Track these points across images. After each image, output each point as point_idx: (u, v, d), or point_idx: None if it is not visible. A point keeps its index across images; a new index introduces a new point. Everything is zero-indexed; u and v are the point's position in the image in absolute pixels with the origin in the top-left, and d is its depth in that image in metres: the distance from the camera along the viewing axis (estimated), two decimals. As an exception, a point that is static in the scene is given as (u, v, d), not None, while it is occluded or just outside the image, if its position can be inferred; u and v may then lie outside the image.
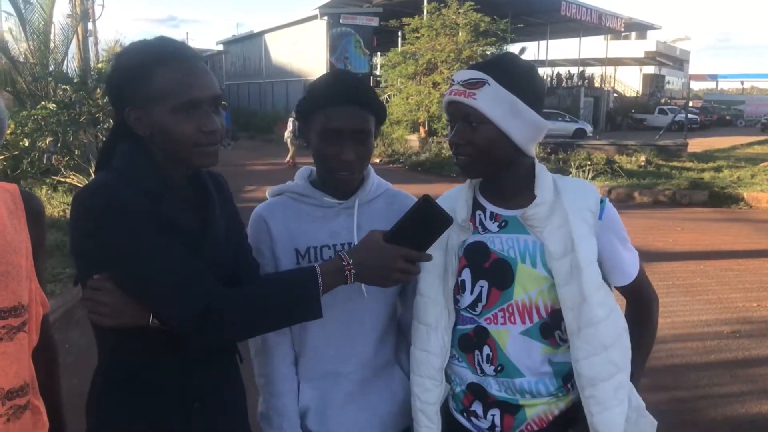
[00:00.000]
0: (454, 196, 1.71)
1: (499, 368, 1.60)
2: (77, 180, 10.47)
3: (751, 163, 16.84)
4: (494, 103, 1.51)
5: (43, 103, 11.69)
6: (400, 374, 1.80)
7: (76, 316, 5.56)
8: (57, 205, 9.56)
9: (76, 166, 10.65)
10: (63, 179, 10.45)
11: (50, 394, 1.61)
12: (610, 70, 50.18)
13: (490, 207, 1.64)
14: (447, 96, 1.58)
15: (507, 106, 1.51)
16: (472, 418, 1.67)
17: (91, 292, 1.44)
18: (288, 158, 18.43)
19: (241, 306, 1.41)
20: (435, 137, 21.44)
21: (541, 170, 1.62)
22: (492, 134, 1.53)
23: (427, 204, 1.46)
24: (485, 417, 1.64)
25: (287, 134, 19.01)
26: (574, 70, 42.92)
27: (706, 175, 14.78)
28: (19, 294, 1.42)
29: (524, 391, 1.59)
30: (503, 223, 1.61)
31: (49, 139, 11.03)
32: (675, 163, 17.76)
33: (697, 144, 23.29)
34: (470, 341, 1.64)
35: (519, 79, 1.54)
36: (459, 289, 1.64)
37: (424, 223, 1.46)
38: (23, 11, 13.12)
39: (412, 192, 1.83)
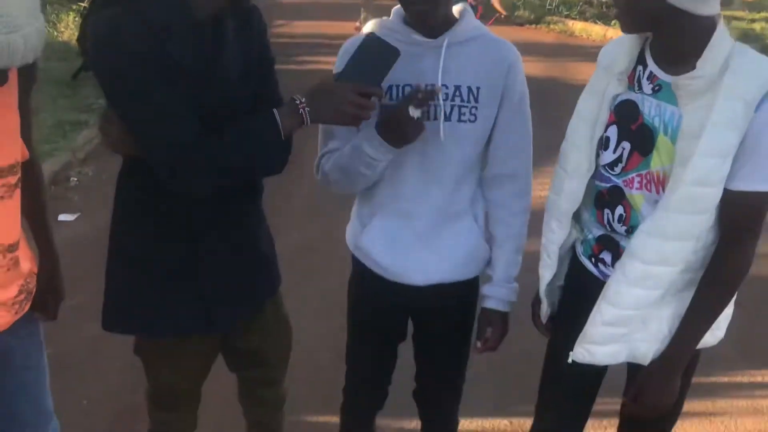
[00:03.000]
0: (618, 43, 1.59)
1: (631, 230, 1.55)
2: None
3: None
4: None
5: None
6: (472, 225, 1.80)
7: (110, 146, 5.64)
8: (85, 33, 9.40)
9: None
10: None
11: (41, 228, 1.71)
12: None
13: (651, 65, 1.50)
14: None
15: None
16: (600, 265, 1.65)
17: (100, 119, 1.57)
18: (358, 22, 11.30)
19: (208, 154, 1.45)
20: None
21: (719, 38, 1.38)
22: None
23: (370, 39, 1.52)
24: (613, 267, 1.60)
25: None
26: None
27: (757, 26, 14.02)
28: (15, 152, 1.43)
29: None
30: (657, 87, 1.48)
31: (73, -37, 10.67)
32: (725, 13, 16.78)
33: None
34: (603, 199, 1.59)
35: None
36: (602, 144, 1.58)
37: (370, 56, 1.51)
38: None
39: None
